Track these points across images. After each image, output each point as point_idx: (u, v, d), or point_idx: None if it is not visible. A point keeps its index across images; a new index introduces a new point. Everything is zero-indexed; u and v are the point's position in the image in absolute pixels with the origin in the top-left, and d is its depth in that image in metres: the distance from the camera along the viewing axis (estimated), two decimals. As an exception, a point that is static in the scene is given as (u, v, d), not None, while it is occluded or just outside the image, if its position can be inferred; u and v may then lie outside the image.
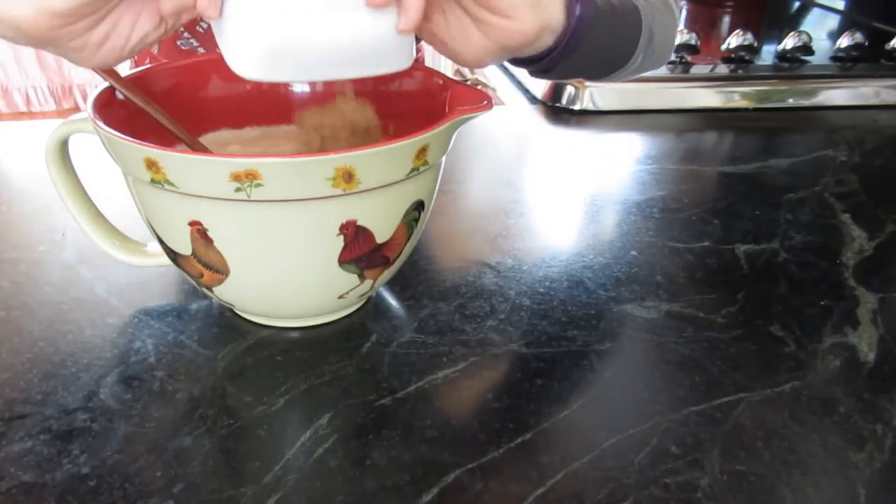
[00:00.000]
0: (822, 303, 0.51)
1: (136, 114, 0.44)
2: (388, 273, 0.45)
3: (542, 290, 0.51)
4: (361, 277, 0.42)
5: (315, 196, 0.37)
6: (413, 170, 0.39)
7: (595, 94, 0.86)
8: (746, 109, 0.89)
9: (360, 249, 0.41)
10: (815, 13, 1.32)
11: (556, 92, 0.88)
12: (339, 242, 0.40)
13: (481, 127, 0.81)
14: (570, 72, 0.49)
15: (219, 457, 0.37)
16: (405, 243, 0.44)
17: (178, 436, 0.38)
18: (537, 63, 0.45)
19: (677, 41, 0.94)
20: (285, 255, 0.40)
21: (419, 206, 0.42)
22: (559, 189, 0.68)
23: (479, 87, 1.12)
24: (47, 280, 0.51)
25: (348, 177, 0.36)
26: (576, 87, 0.86)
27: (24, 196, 0.62)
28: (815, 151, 0.77)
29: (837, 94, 0.91)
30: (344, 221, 0.39)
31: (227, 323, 0.47)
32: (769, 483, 0.37)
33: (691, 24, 1.20)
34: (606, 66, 0.52)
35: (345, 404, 0.41)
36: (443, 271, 0.53)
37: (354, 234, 0.39)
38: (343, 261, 0.40)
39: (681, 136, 0.81)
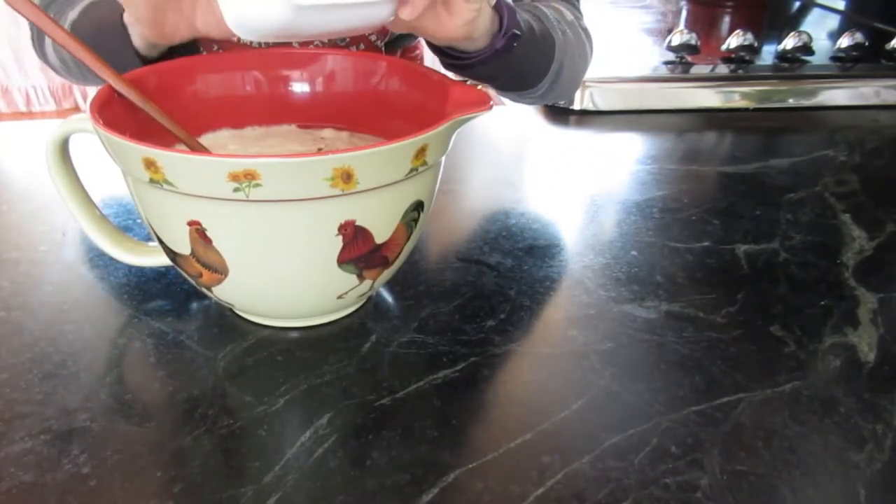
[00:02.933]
0: (822, 303, 0.51)
1: (137, 114, 0.44)
2: (387, 273, 0.45)
3: (542, 290, 0.51)
4: (360, 278, 0.42)
5: (314, 196, 0.37)
6: (412, 170, 0.39)
7: (595, 94, 0.86)
8: (746, 109, 0.89)
9: (358, 250, 0.41)
10: (815, 13, 1.32)
11: (556, 92, 0.87)
12: (338, 243, 0.40)
13: (481, 127, 0.81)
14: (485, 78, 0.59)
15: (219, 457, 0.37)
16: (404, 243, 0.44)
17: (178, 436, 0.38)
18: (462, 61, 0.54)
19: (678, 41, 0.95)
20: (284, 256, 0.40)
21: (418, 206, 0.42)
22: (559, 189, 0.68)
23: (479, 86, 1.12)
24: (47, 280, 0.51)
25: (347, 177, 0.36)
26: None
27: (24, 196, 0.62)
28: (815, 151, 0.77)
29: (837, 94, 0.91)
30: (343, 222, 0.39)
31: (227, 323, 0.47)
32: (769, 483, 0.37)
33: (691, 24, 1.20)
34: (516, 84, 0.62)
35: (345, 404, 0.41)
36: (443, 271, 0.53)
37: (353, 235, 0.39)
38: (342, 261, 0.40)
39: (681, 136, 0.81)
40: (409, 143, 0.37)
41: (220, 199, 0.36)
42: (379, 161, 0.37)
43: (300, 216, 0.38)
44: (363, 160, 0.36)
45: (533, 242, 0.57)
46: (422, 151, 0.38)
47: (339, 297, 0.43)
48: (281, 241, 0.39)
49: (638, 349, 0.46)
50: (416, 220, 0.43)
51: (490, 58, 0.54)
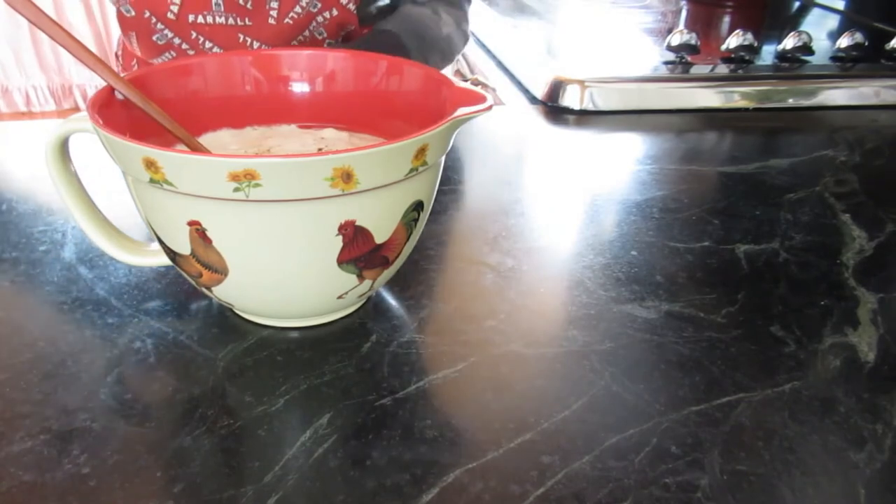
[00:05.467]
0: (822, 303, 0.51)
1: (137, 113, 0.44)
2: (387, 273, 0.45)
3: (542, 290, 0.51)
4: (360, 278, 0.42)
5: (314, 196, 0.37)
6: (412, 170, 0.39)
7: (595, 94, 0.86)
8: (746, 109, 0.89)
9: (359, 250, 0.41)
10: (815, 13, 1.32)
11: (556, 92, 0.88)
12: (338, 242, 0.39)
13: (481, 127, 0.81)
14: None
15: (219, 457, 0.37)
16: (404, 243, 0.44)
17: (178, 436, 0.38)
18: None
19: (678, 41, 0.95)
20: (284, 256, 0.40)
21: (418, 206, 0.42)
22: (559, 189, 0.68)
23: (478, 87, 1.12)
24: (47, 280, 0.51)
25: (347, 177, 0.36)
26: (576, 87, 0.86)
27: (24, 196, 0.62)
28: (815, 151, 0.77)
29: (837, 94, 0.91)
30: (343, 221, 0.39)
31: (227, 323, 0.47)
32: (769, 483, 0.37)
33: (691, 24, 1.20)
34: None
35: (345, 404, 0.41)
36: (443, 271, 0.53)
37: (353, 235, 0.39)
38: (342, 261, 0.40)
39: (681, 136, 0.81)
40: (410, 143, 0.37)
41: (220, 199, 0.36)
42: (379, 161, 0.37)
43: (300, 216, 0.38)
44: (363, 160, 0.36)
45: (533, 242, 0.57)
46: (422, 151, 0.38)
47: (340, 297, 0.43)
48: (281, 241, 0.39)
49: (638, 349, 0.46)
50: (416, 220, 0.43)
51: None
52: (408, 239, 0.44)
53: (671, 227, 0.60)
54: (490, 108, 0.41)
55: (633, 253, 0.56)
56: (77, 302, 0.48)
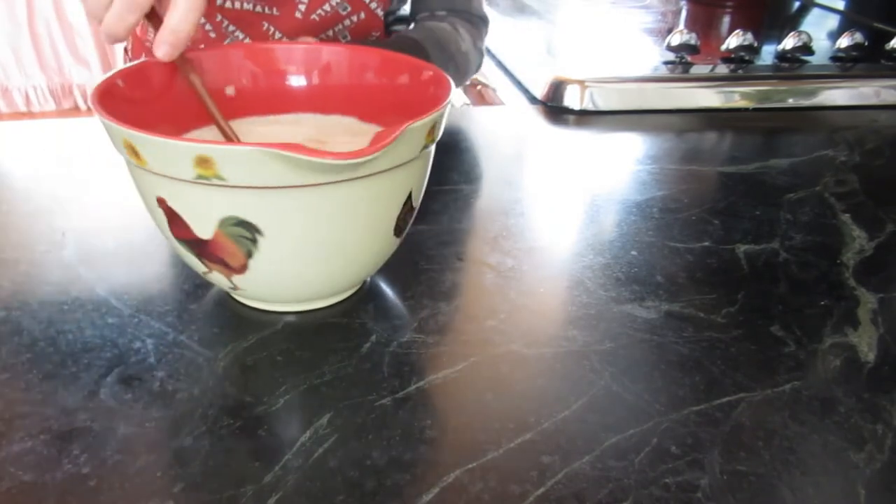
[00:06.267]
0: (822, 303, 0.51)
1: (142, 103, 0.45)
2: (246, 279, 0.42)
3: (542, 290, 0.51)
4: (207, 267, 0.43)
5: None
6: (200, 177, 0.37)
7: (595, 94, 0.86)
8: (746, 109, 0.89)
9: (180, 232, 0.41)
10: (815, 13, 1.32)
11: (556, 92, 0.88)
12: (161, 216, 0.41)
13: (482, 127, 0.81)
14: None
15: (219, 457, 0.37)
16: (244, 259, 0.41)
17: (178, 436, 0.38)
18: None
19: (678, 41, 0.95)
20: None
21: (243, 224, 0.39)
22: (559, 189, 0.68)
23: (478, 87, 1.12)
24: (47, 280, 0.51)
25: (135, 153, 0.38)
26: (576, 87, 0.86)
27: (24, 196, 0.62)
28: (815, 151, 0.77)
29: (837, 94, 0.91)
30: (157, 196, 0.40)
31: (227, 323, 0.47)
32: (769, 483, 0.37)
33: (691, 24, 1.20)
34: None
35: (345, 404, 0.41)
36: (443, 271, 0.53)
37: (170, 213, 0.41)
38: (177, 237, 0.42)
39: (681, 136, 0.81)
40: (187, 146, 0.36)
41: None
42: (155, 151, 0.37)
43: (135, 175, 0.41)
44: (141, 141, 0.37)
45: (533, 242, 0.57)
46: (206, 161, 0.36)
47: (204, 273, 0.44)
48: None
49: (638, 349, 0.46)
50: (248, 240, 0.40)
51: None
52: (250, 256, 0.41)
53: (671, 227, 0.60)
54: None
55: (633, 253, 0.56)
56: (77, 302, 0.48)
